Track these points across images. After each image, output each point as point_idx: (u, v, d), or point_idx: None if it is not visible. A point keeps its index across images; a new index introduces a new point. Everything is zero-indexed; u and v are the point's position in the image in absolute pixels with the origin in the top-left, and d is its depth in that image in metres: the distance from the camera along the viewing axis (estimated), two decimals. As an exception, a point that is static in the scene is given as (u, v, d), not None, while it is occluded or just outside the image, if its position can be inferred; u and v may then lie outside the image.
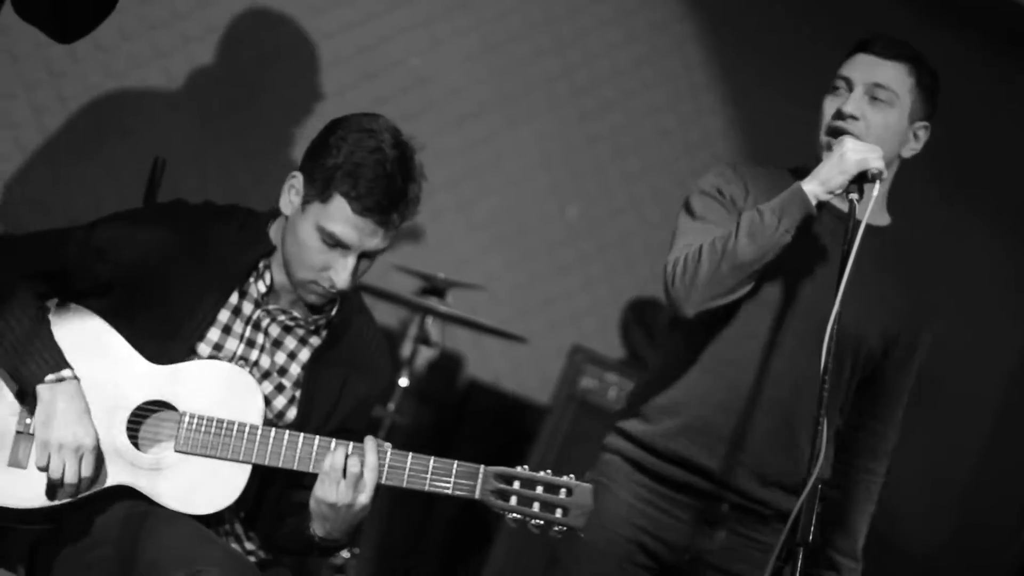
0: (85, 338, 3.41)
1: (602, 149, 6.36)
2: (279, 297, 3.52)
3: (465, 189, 6.07)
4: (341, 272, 3.40)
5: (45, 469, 3.31)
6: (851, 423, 3.73)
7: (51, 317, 3.43)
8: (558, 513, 3.31)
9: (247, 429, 3.36)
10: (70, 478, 3.30)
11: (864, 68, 3.59)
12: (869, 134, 3.53)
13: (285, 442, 3.36)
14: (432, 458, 3.35)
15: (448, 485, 3.33)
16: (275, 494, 3.49)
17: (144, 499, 3.36)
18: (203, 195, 3.67)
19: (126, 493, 3.36)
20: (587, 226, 6.37)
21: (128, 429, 3.38)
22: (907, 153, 3.65)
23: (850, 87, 3.59)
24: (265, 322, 3.50)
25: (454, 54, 5.98)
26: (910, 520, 3.72)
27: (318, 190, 3.39)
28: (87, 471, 3.31)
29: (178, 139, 5.33)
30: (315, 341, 3.55)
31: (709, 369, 3.62)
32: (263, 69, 5.52)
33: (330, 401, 3.54)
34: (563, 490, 3.32)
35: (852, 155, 3.43)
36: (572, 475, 3.34)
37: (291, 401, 3.50)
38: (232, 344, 3.48)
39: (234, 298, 3.49)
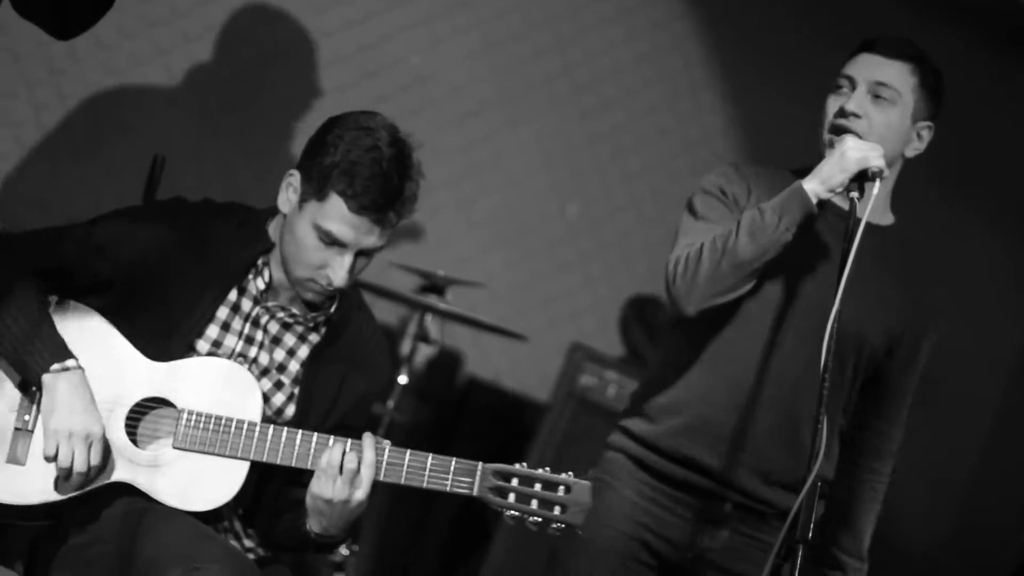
0: (84, 335, 3.42)
1: (602, 147, 6.36)
2: (278, 294, 3.52)
3: (465, 187, 6.07)
4: (338, 270, 3.41)
5: (53, 459, 3.31)
6: (856, 423, 3.72)
7: (51, 313, 3.44)
8: (556, 511, 3.31)
9: (245, 426, 3.37)
10: (79, 466, 3.30)
11: (867, 67, 3.59)
12: (871, 132, 3.53)
13: (283, 439, 3.36)
14: (430, 455, 3.35)
15: (446, 482, 3.33)
16: (273, 491, 3.50)
17: (143, 496, 3.36)
18: (202, 193, 3.67)
19: (125, 490, 3.37)
20: (587, 224, 6.37)
21: (127, 426, 3.39)
22: (910, 153, 3.64)
23: (853, 86, 3.58)
24: (264, 319, 3.51)
25: (454, 52, 5.98)
26: (910, 519, 3.72)
27: (315, 188, 3.39)
28: (96, 459, 3.32)
29: (178, 137, 5.33)
30: (314, 338, 3.56)
31: (711, 368, 3.62)
32: (263, 67, 5.52)
33: (329, 398, 3.54)
34: (561, 487, 3.32)
35: (853, 153, 3.43)
36: (571, 472, 3.34)
37: (290, 398, 3.51)
38: (231, 341, 3.48)
39: (233, 295, 3.49)
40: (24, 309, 3.39)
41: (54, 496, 3.35)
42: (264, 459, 3.36)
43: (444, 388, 6.10)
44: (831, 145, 3.55)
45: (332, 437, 3.36)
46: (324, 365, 3.54)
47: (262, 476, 3.45)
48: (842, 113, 3.56)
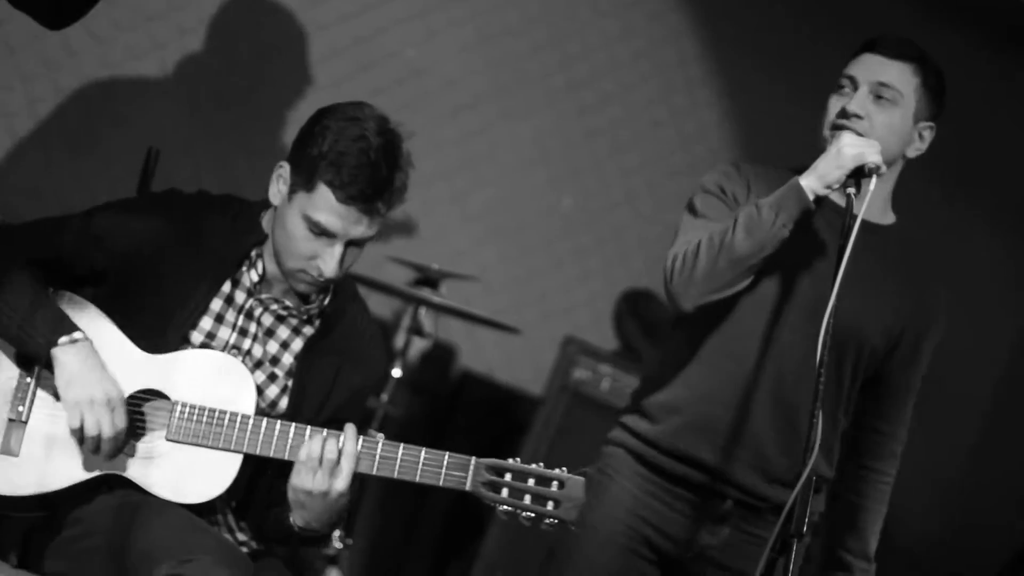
0: (79, 326, 3.42)
1: (597, 141, 6.37)
2: (271, 286, 3.53)
3: (459, 180, 6.08)
4: (328, 261, 3.40)
5: (79, 430, 3.31)
6: (858, 424, 3.72)
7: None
8: (550, 506, 3.31)
9: (239, 418, 3.37)
10: (108, 431, 3.31)
11: (869, 67, 3.59)
12: (873, 133, 3.52)
13: (276, 432, 3.36)
14: (423, 449, 3.35)
15: (439, 476, 3.33)
16: (266, 484, 3.49)
17: (136, 488, 3.36)
18: (196, 185, 3.67)
19: (118, 482, 3.37)
20: (581, 218, 6.38)
21: (120, 418, 3.39)
22: (912, 153, 3.64)
23: (855, 86, 3.58)
24: (258, 311, 3.51)
25: (449, 45, 5.98)
26: (905, 516, 3.72)
27: (304, 179, 3.39)
28: (121, 422, 3.32)
29: (172, 129, 5.34)
30: (308, 331, 3.56)
31: (710, 365, 3.62)
32: (258, 60, 5.52)
33: (323, 391, 3.53)
34: (555, 483, 3.32)
35: (849, 150, 3.43)
36: (564, 468, 3.35)
37: (284, 390, 3.50)
38: (225, 333, 3.48)
39: (227, 287, 3.49)
40: (24, 289, 3.38)
41: (47, 487, 3.35)
42: (257, 452, 3.36)
43: (438, 381, 6.10)
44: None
45: (308, 428, 3.36)
46: (318, 358, 3.54)
47: (255, 469, 3.44)
48: (844, 114, 3.55)
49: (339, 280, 3.50)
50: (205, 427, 3.36)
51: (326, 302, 3.56)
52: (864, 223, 3.33)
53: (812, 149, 3.59)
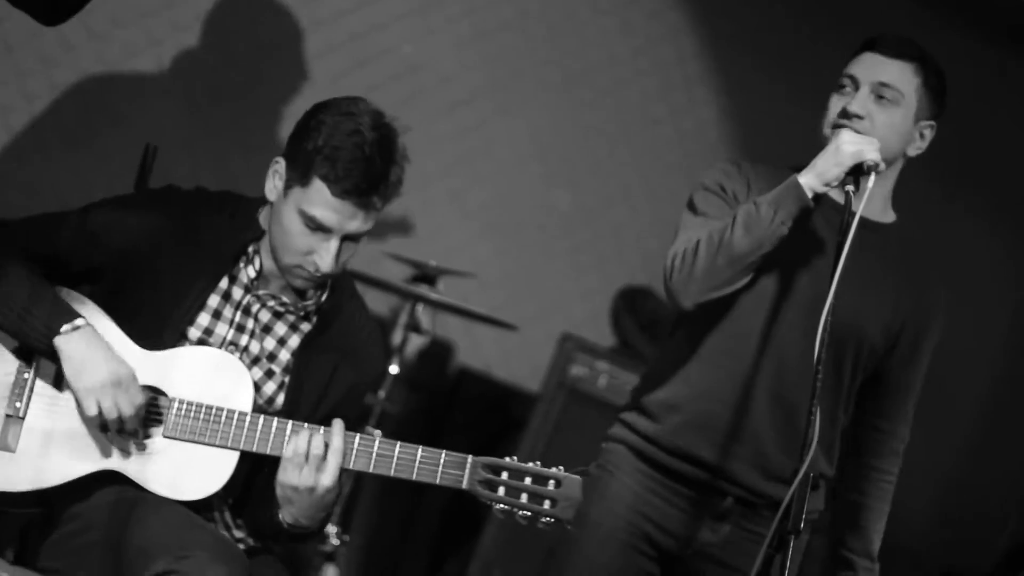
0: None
1: (594, 138, 6.37)
2: (268, 283, 3.53)
3: (456, 177, 6.08)
4: (324, 256, 3.40)
5: (98, 416, 3.31)
6: (859, 422, 3.73)
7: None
8: (546, 505, 3.31)
9: (236, 416, 3.37)
10: (128, 410, 3.31)
11: (870, 67, 3.58)
12: (874, 133, 3.51)
13: (273, 429, 3.36)
14: (420, 447, 3.35)
15: (436, 475, 3.33)
16: (263, 481, 3.49)
17: (133, 485, 3.36)
18: (194, 182, 3.67)
19: (115, 479, 3.37)
20: (578, 214, 6.38)
21: (118, 415, 3.39)
22: (912, 152, 3.64)
23: (856, 86, 3.58)
24: (255, 308, 3.51)
25: (446, 41, 5.98)
26: (901, 512, 3.73)
27: (299, 174, 3.39)
28: (138, 397, 3.33)
29: (169, 126, 5.33)
30: (306, 327, 3.56)
31: (710, 363, 3.63)
32: (255, 56, 5.52)
33: (320, 388, 3.54)
34: (551, 482, 3.32)
35: (848, 147, 3.43)
36: (561, 467, 3.35)
37: (280, 387, 3.51)
38: (222, 329, 3.48)
39: (224, 283, 3.49)
40: (22, 282, 3.37)
41: (44, 483, 3.35)
42: (254, 449, 3.36)
43: (435, 378, 6.10)
44: None
45: (307, 425, 3.37)
46: (315, 355, 3.54)
47: (252, 466, 3.45)
48: (845, 114, 3.56)
49: (336, 276, 3.51)
50: (202, 424, 3.36)
51: (323, 298, 3.56)
52: (865, 221, 3.33)
53: (811, 146, 3.59)
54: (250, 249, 3.50)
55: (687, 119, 6.51)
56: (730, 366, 3.60)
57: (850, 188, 3.42)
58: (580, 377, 5.70)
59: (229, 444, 3.36)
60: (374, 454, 3.35)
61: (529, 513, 3.32)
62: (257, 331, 3.51)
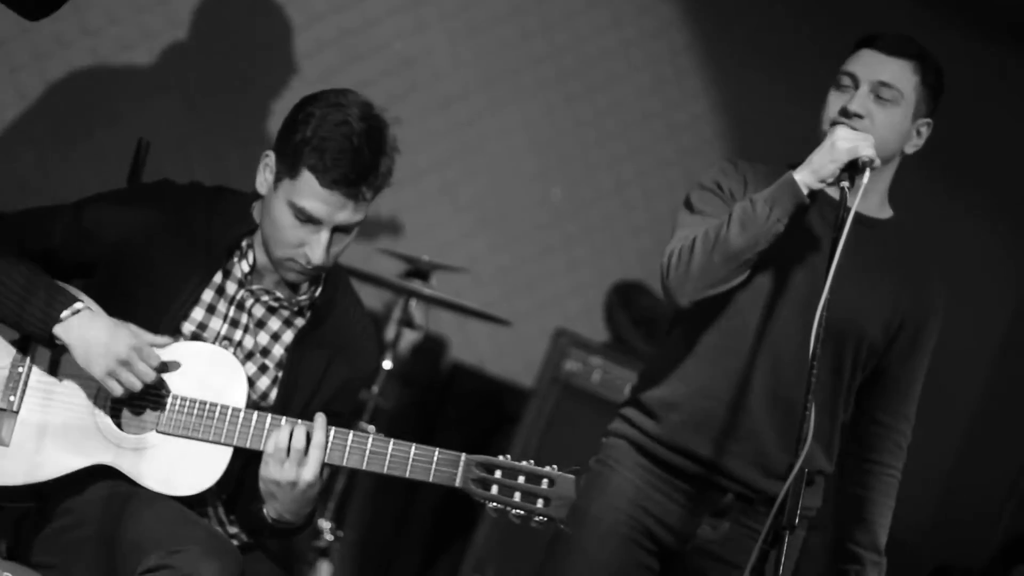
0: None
1: (587, 132, 6.37)
2: (262, 277, 3.52)
3: (450, 171, 6.07)
4: (315, 247, 3.40)
5: (122, 391, 3.30)
6: (860, 418, 3.73)
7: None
8: (539, 503, 3.30)
9: (229, 411, 3.36)
10: (148, 377, 3.30)
11: (870, 65, 3.58)
12: (874, 132, 3.52)
13: (267, 425, 3.36)
14: (414, 445, 3.34)
15: (429, 472, 3.33)
16: (252, 477, 3.48)
17: (127, 480, 3.36)
18: (187, 177, 3.67)
19: (109, 474, 3.36)
20: (572, 209, 6.38)
21: (111, 409, 3.39)
22: (910, 149, 3.64)
23: (855, 84, 3.57)
24: (249, 302, 3.50)
25: (439, 37, 5.98)
26: (896, 507, 3.74)
27: (288, 166, 3.39)
28: (153, 360, 3.31)
29: (163, 121, 5.33)
30: (299, 322, 3.55)
31: (708, 360, 3.63)
32: (248, 51, 5.52)
33: (313, 383, 3.53)
34: (545, 480, 3.31)
35: (843, 143, 3.43)
36: (555, 466, 3.34)
37: (274, 382, 3.51)
38: (216, 324, 3.48)
39: (218, 278, 3.49)
40: (17, 272, 3.36)
41: (38, 477, 3.35)
42: (247, 445, 3.36)
43: (428, 373, 6.10)
44: None
45: (269, 417, 3.36)
46: (309, 350, 3.53)
47: (246, 462, 3.44)
48: (845, 113, 3.56)
49: (329, 269, 3.51)
50: (196, 420, 3.36)
51: (317, 293, 3.55)
52: (861, 217, 3.33)
53: (804, 141, 3.59)
54: (244, 243, 3.50)
55: (680, 113, 6.51)
56: (727, 363, 3.61)
57: (845, 184, 3.42)
58: (574, 372, 5.71)
59: (223, 440, 3.36)
60: (367, 451, 3.34)
61: (522, 512, 3.31)
62: (251, 326, 3.51)
